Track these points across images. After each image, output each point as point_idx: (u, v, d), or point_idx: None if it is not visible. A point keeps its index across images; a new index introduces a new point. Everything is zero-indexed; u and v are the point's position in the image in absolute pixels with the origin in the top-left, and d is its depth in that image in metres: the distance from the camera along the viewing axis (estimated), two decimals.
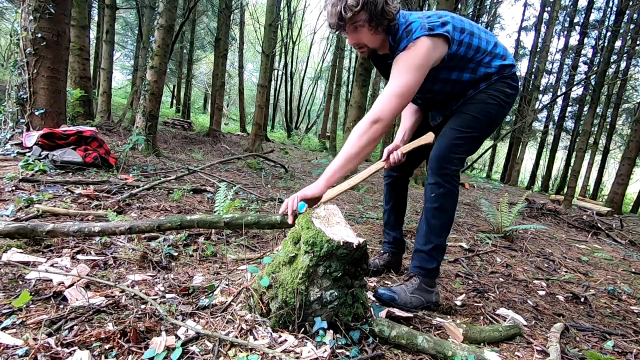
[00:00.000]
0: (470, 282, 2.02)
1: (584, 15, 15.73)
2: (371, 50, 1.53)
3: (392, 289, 1.51)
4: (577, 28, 15.92)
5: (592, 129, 13.14)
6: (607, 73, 8.90)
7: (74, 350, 0.94)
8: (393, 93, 1.41)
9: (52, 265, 1.44)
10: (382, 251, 1.98)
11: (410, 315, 1.35)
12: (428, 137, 1.69)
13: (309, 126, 24.85)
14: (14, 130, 3.62)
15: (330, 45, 22.32)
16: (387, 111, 1.41)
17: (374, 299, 1.48)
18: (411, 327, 1.29)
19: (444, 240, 1.58)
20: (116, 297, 1.25)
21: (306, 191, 1.38)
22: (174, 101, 20.30)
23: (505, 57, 1.58)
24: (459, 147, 1.53)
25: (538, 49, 15.45)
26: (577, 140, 13.43)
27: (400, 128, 1.80)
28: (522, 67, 19.82)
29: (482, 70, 1.55)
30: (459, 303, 1.67)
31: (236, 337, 1.07)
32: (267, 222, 1.49)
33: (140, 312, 1.16)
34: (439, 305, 1.58)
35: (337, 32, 1.50)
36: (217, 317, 1.20)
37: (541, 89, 15.59)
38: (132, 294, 1.27)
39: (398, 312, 1.33)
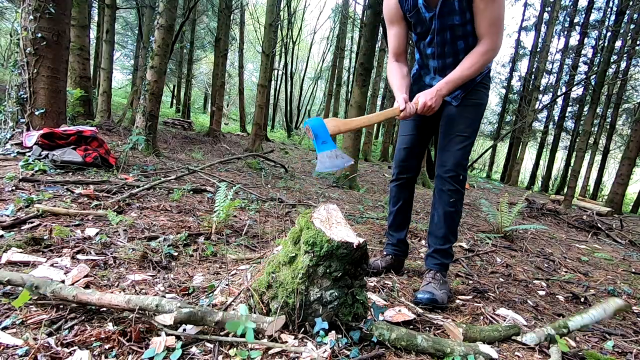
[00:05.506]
0: (470, 282, 2.01)
1: (584, 15, 15.72)
2: None
3: (428, 291, 1.55)
4: (577, 28, 15.91)
5: (592, 129, 13.14)
6: (607, 73, 8.89)
7: (74, 350, 0.94)
8: (500, 28, 1.49)
9: (52, 265, 1.44)
10: (384, 253, 1.96)
11: (411, 318, 1.35)
12: None
13: None
14: (14, 130, 3.62)
15: (330, 45, 22.33)
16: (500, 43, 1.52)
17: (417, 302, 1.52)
18: (411, 327, 1.29)
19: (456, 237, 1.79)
20: None
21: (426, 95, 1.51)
22: (174, 101, 20.31)
23: None
24: (468, 154, 1.66)
25: (538, 49, 15.46)
26: (577, 140, 13.43)
27: (398, 87, 1.67)
28: (522, 67, 19.85)
29: None
30: (459, 303, 1.67)
31: (236, 337, 1.07)
32: None
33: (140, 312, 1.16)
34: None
35: None
36: None
37: (541, 89, 15.58)
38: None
39: (399, 314, 1.33)
